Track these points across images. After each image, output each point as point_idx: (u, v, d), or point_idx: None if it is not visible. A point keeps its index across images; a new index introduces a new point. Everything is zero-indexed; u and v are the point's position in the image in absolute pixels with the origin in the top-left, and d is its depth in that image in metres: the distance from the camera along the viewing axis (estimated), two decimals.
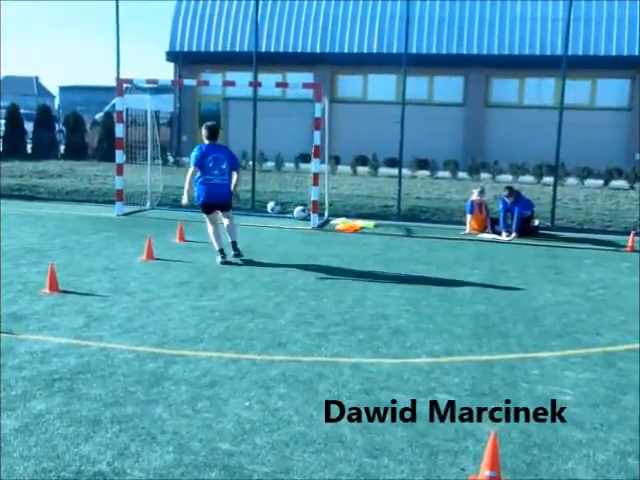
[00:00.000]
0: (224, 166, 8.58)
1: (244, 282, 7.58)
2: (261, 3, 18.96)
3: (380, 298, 7.10)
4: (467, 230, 11.70)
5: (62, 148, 25.52)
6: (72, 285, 7.06)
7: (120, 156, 12.45)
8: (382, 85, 26.41)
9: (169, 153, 24.13)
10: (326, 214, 12.81)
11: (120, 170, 12.43)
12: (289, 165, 22.80)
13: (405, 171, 14.68)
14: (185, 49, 27.30)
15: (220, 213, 8.85)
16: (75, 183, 16.54)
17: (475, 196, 11.82)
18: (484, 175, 21.49)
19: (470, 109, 25.98)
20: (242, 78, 20.78)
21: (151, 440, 3.80)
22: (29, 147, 25.17)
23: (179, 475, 3.45)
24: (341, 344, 5.58)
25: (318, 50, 26.30)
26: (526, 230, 11.45)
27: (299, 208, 12.83)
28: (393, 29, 25.52)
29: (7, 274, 7.43)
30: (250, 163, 17.24)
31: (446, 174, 21.94)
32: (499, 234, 11.36)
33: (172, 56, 27.57)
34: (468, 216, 11.81)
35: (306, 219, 12.21)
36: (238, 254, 8.61)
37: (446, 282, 7.95)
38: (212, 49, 27.08)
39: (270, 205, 13.27)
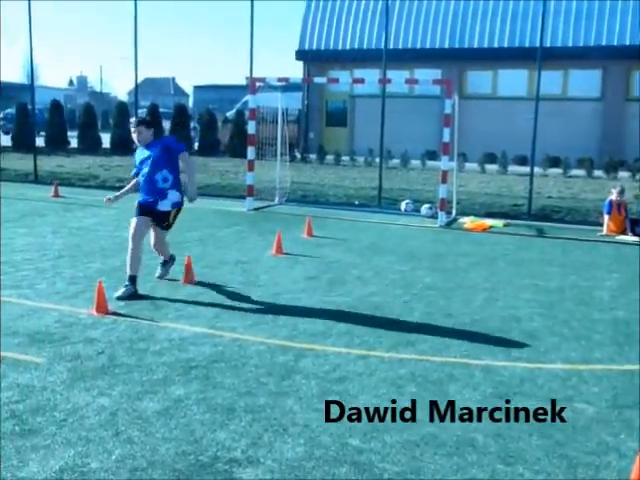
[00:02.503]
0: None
1: (371, 279, 7.58)
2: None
3: (511, 300, 6.88)
4: (604, 231, 11.12)
5: (196, 145, 26.66)
6: (207, 276, 7.33)
7: (252, 152, 12.80)
8: (513, 80, 25.63)
9: (296, 150, 24.60)
10: (454, 212, 12.59)
11: (251, 166, 12.78)
12: (415, 162, 22.61)
13: (536, 169, 14.15)
14: (314, 48, 27.70)
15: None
16: (208, 178, 17.18)
17: (614, 196, 11.21)
18: (622, 174, 20.37)
19: (608, 104, 24.65)
20: (370, 75, 20.81)
21: (283, 431, 3.87)
22: None
23: (310, 468, 3.49)
24: (471, 345, 5.45)
25: (447, 45, 25.89)
26: None
27: (426, 206, 12.69)
28: (526, 22, 24.66)
29: (148, 264, 7.80)
30: (377, 160, 17.24)
31: (580, 172, 20.98)
32: None
33: (301, 55, 28.07)
34: (606, 217, 11.22)
35: (433, 217, 12.06)
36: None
37: (582, 285, 7.58)
38: (340, 47, 27.31)
39: (404, 204, 13.16)
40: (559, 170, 21.12)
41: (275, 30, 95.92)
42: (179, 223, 7.14)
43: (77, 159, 22.18)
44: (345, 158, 23.89)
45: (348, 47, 27.14)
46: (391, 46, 23.95)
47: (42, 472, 3.34)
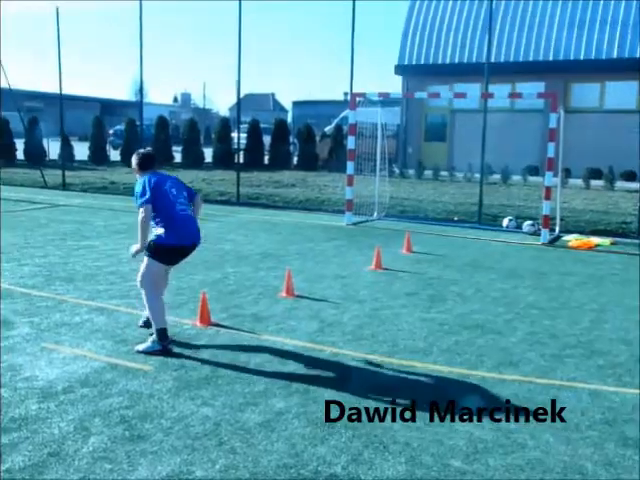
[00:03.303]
0: (186, 194, 5.72)
1: (472, 296, 7.43)
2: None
3: (620, 322, 6.58)
4: None
5: (295, 159, 27.10)
6: (306, 290, 7.41)
7: (351, 167, 12.86)
8: (621, 93, 24.57)
9: (395, 165, 24.55)
10: (557, 229, 12.18)
11: (351, 180, 12.84)
12: (516, 178, 22.08)
13: None
14: (413, 62, 27.60)
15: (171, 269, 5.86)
16: (307, 192, 17.41)
17: None
18: None
19: None
20: (470, 89, 20.51)
21: (383, 449, 3.84)
22: (266, 158, 27.04)
23: None
24: (578, 368, 5.24)
25: (551, 58, 25.17)
26: None
27: (528, 222, 12.35)
28: (636, 32, 23.65)
29: (249, 277, 8.00)
30: (476, 175, 16.96)
31: None
32: None
33: (401, 69, 28.03)
34: None
35: (536, 234, 11.72)
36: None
37: None
38: (440, 61, 27.08)
39: (506, 221, 12.86)
40: None
41: (373, 44, 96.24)
42: (278, 237, 7.22)
43: (181, 173, 22.89)
44: (444, 173, 23.62)
45: (448, 61, 26.87)
46: (493, 59, 23.57)
47: (150, 477, 3.46)
